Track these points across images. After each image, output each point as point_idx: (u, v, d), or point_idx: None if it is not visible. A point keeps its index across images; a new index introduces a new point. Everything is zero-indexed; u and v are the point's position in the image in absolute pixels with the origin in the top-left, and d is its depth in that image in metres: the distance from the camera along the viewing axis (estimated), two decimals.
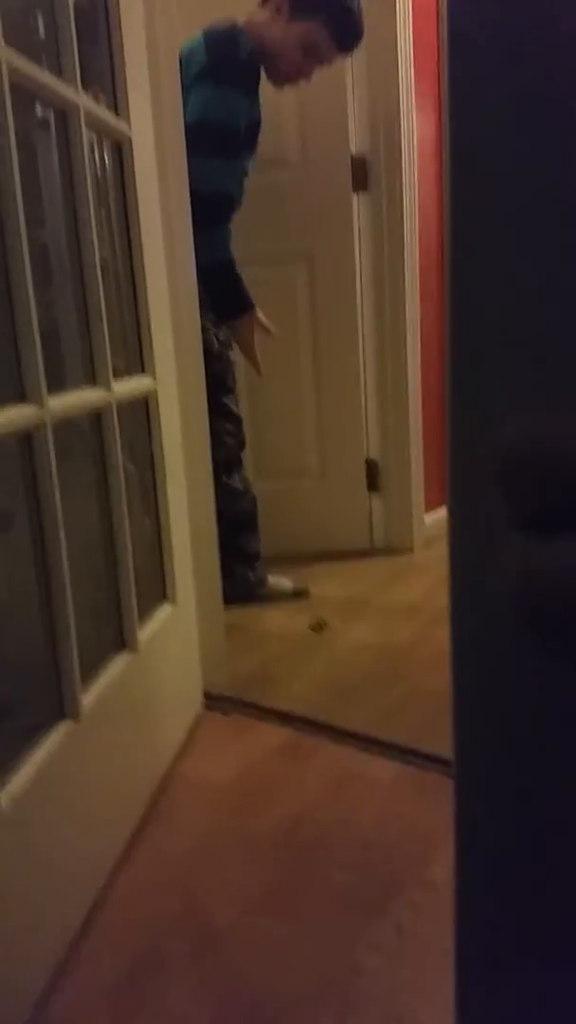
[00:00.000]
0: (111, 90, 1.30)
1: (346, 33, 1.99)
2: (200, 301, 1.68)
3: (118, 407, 1.25)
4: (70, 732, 1.07)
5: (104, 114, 1.23)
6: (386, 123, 2.44)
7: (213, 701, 1.69)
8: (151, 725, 1.40)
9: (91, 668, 1.19)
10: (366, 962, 1.00)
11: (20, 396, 1.00)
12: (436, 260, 2.70)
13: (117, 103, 1.30)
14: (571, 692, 0.40)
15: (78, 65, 1.12)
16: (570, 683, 0.39)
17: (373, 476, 2.70)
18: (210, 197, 1.87)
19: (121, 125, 1.30)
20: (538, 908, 0.44)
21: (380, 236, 2.54)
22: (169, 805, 1.35)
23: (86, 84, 1.15)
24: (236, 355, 2.16)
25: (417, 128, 2.50)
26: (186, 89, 1.64)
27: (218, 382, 1.96)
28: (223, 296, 2.02)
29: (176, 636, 1.54)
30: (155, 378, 1.42)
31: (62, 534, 1.05)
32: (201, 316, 1.69)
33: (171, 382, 1.51)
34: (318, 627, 2.06)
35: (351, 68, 2.40)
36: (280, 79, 2.06)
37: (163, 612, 1.47)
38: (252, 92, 1.97)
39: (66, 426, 1.12)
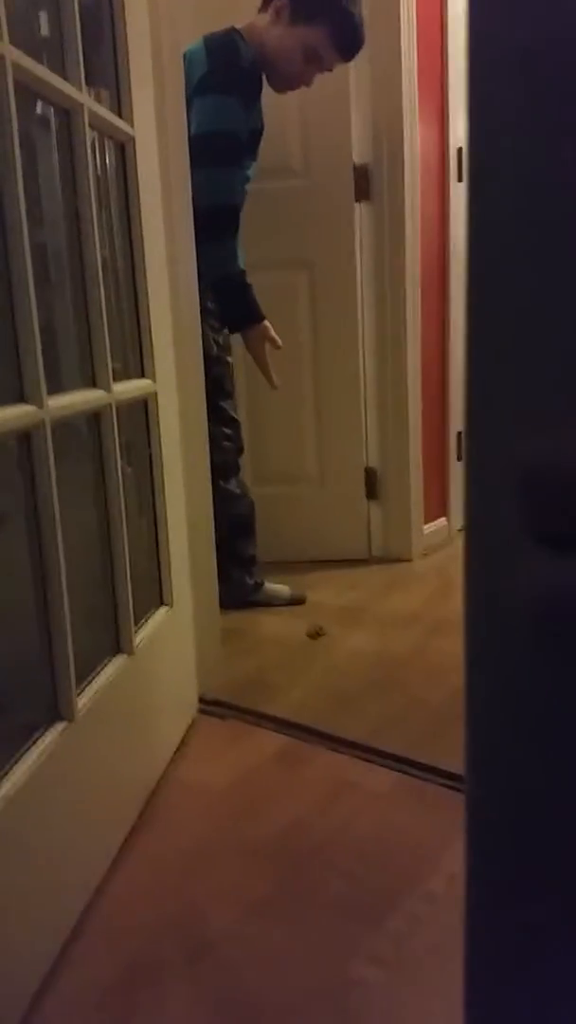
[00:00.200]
0: (114, 89, 1.30)
1: (347, 38, 1.97)
2: (200, 306, 1.67)
3: (117, 409, 1.24)
4: (64, 734, 1.06)
5: (107, 114, 1.23)
6: (388, 133, 2.45)
7: (209, 706, 1.68)
8: (146, 728, 1.38)
9: (86, 670, 1.18)
10: (364, 972, 0.99)
11: (19, 396, 0.99)
12: (437, 270, 2.71)
13: (120, 103, 1.30)
14: None
15: (82, 64, 1.12)
16: None
17: (372, 484, 2.69)
18: (217, 210, 1.87)
19: (124, 125, 1.30)
20: (552, 917, 0.44)
21: (381, 246, 2.55)
22: (164, 809, 1.34)
23: (89, 83, 1.14)
24: (235, 360, 2.16)
25: (419, 138, 2.51)
26: (188, 98, 1.64)
27: (217, 386, 1.96)
28: (234, 309, 2.02)
29: (172, 639, 1.53)
30: (155, 380, 1.42)
31: (59, 535, 1.04)
32: (201, 320, 1.69)
33: (170, 385, 1.51)
34: (315, 634, 2.05)
35: (354, 77, 2.40)
36: (281, 84, 2.05)
37: (159, 615, 1.45)
38: (254, 100, 1.98)
39: (64, 427, 1.12)
